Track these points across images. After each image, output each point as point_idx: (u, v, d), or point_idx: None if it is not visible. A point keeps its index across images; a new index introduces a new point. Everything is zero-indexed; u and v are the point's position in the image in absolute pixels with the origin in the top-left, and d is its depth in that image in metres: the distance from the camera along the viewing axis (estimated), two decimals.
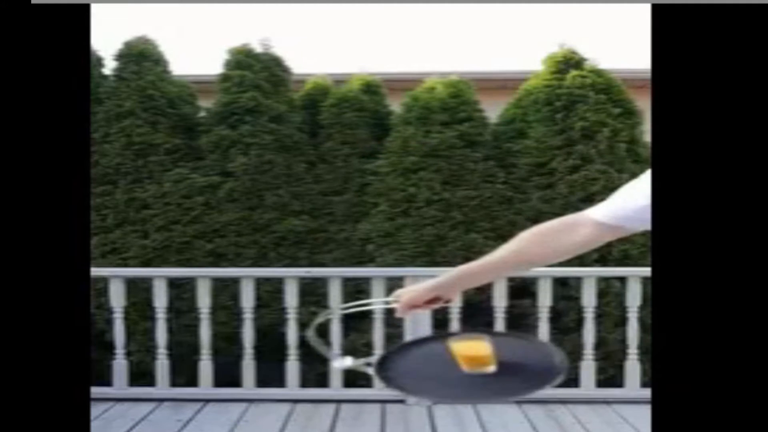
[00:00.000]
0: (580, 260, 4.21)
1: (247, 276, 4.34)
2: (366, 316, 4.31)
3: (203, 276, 4.36)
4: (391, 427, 3.85)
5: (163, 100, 4.99)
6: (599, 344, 4.39)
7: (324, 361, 4.38)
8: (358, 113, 5.05)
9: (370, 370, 1.59)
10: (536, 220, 1.56)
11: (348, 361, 1.75)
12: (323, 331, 4.30)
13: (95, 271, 4.24)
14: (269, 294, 4.59)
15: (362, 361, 1.71)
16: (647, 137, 5.01)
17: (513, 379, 1.51)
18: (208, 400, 4.30)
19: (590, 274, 4.29)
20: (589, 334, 4.27)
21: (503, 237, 1.59)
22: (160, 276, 4.36)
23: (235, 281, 4.43)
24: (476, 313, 4.38)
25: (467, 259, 1.66)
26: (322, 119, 5.09)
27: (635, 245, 4.56)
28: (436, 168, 4.81)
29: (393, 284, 3.71)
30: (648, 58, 1.22)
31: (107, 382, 4.35)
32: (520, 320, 4.47)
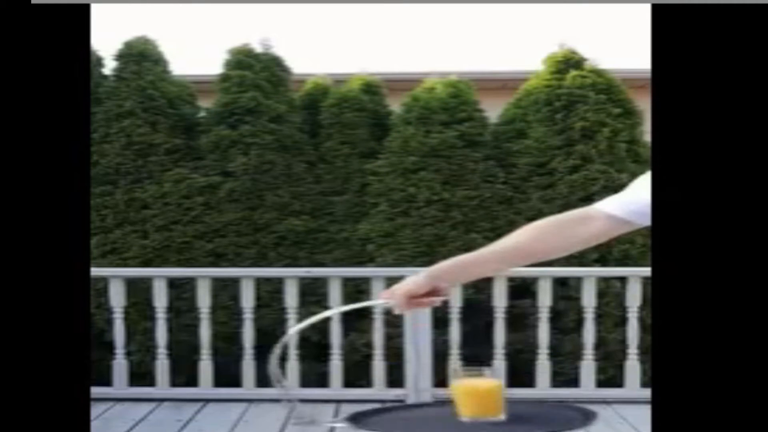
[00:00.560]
0: (580, 260, 4.25)
1: (247, 276, 4.35)
2: (366, 316, 4.31)
3: (203, 276, 4.37)
4: None
5: (163, 100, 4.98)
6: (599, 344, 4.39)
7: (324, 361, 4.42)
8: (358, 113, 5.04)
9: (339, 425, 1.48)
10: (536, 220, 1.55)
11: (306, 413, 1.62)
12: (323, 331, 4.31)
13: (95, 271, 4.23)
14: (269, 294, 4.59)
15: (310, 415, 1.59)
16: (647, 137, 5.00)
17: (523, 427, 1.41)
18: (208, 400, 4.30)
19: (590, 274, 4.29)
20: (589, 334, 4.27)
21: (503, 237, 1.58)
22: (160, 276, 4.37)
23: (235, 281, 4.43)
24: (476, 313, 4.38)
25: None
26: (322, 119, 5.08)
27: (635, 245, 4.56)
28: (436, 168, 4.81)
29: (393, 284, 3.69)
30: (648, 58, 1.22)
31: (107, 382, 4.35)
32: (520, 320, 4.47)
